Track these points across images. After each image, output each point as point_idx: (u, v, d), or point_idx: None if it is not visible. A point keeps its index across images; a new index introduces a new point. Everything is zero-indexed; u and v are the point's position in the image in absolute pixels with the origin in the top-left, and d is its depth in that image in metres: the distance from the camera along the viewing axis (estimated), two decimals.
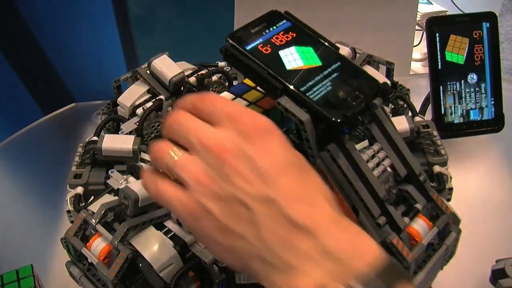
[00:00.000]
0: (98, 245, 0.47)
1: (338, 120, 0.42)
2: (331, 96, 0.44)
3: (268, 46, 0.47)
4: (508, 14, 2.53)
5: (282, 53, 0.47)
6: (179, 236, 0.47)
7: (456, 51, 0.81)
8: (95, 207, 0.49)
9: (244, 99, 0.55)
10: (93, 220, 0.47)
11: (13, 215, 0.80)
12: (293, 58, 0.47)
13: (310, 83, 0.45)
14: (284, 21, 0.50)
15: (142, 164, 0.56)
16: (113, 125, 0.65)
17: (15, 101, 1.08)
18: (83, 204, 0.54)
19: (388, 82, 0.61)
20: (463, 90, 0.81)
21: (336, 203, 0.38)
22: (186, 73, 0.65)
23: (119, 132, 0.60)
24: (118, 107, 0.65)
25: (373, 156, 0.46)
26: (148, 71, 0.65)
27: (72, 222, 0.53)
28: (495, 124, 0.83)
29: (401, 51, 1.02)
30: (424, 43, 0.88)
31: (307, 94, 0.44)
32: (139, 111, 0.62)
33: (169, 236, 0.47)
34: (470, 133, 0.83)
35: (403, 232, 0.45)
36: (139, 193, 0.46)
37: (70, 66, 1.08)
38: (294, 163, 0.38)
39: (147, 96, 0.65)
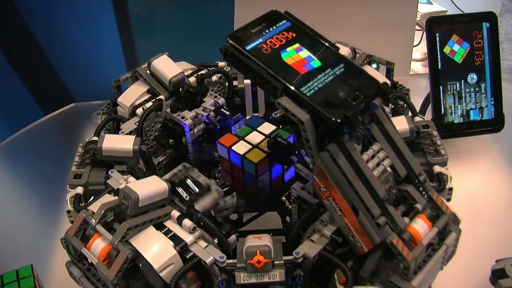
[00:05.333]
0: (98, 245, 0.47)
1: (338, 120, 0.42)
2: (331, 96, 0.44)
3: (268, 46, 0.47)
4: (508, 14, 2.53)
5: (282, 53, 0.47)
6: (179, 236, 0.47)
7: (456, 51, 0.81)
8: (95, 207, 0.49)
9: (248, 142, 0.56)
10: (93, 220, 0.47)
11: (13, 215, 0.80)
12: (293, 58, 0.47)
13: (310, 83, 0.45)
14: (284, 21, 0.50)
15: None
16: (113, 125, 0.65)
17: (15, 101, 1.08)
18: (83, 204, 0.54)
19: (388, 82, 0.61)
20: (463, 90, 0.81)
21: None
22: (186, 73, 0.65)
23: (119, 132, 0.60)
24: (118, 107, 0.65)
25: (373, 156, 0.46)
26: (148, 71, 0.65)
27: (72, 222, 0.53)
28: (495, 124, 0.83)
29: (401, 51, 1.02)
30: (424, 43, 0.88)
31: (307, 94, 0.44)
32: (139, 111, 0.62)
33: (169, 236, 0.47)
34: (470, 133, 0.83)
35: (403, 232, 0.45)
36: (139, 193, 0.46)
37: (70, 66, 1.08)
38: None
39: (147, 96, 0.65)
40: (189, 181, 0.55)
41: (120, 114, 0.65)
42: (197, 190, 0.53)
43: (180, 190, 0.54)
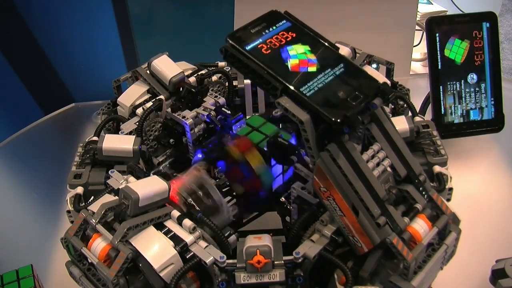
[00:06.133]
0: (98, 245, 0.47)
1: (338, 120, 0.42)
2: (331, 96, 0.44)
3: (268, 46, 0.47)
4: (508, 14, 2.53)
5: (282, 53, 0.47)
6: (179, 236, 0.47)
7: (456, 51, 0.81)
8: (95, 207, 0.49)
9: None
10: (93, 220, 0.47)
11: (13, 215, 0.80)
12: (293, 58, 0.47)
13: (310, 83, 0.45)
14: (284, 21, 0.50)
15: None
16: (113, 125, 0.65)
17: (15, 101, 1.08)
18: (83, 204, 0.54)
19: (388, 82, 0.61)
20: (463, 90, 0.81)
21: None
22: (186, 73, 0.65)
23: (119, 132, 0.60)
24: (118, 107, 0.65)
25: (373, 156, 0.46)
26: (148, 71, 0.65)
27: (72, 222, 0.53)
28: (495, 124, 0.83)
29: (401, 51, 1.02)
30: (424, 43, 0.88)
31: (307, 94, 0.44)
32: (139, 111, 0.62)
33: (169, 236, 0.47)
34: (470, 133, 0.83)
35: (403, 232, 0.45)
36: (139, 193, 0.46)
37: (70, 66, 1.08)
38: None
39: (147, 96, 0.65)
40: (200, 194, 0.54)
41: (120, 114, 0.65)
42: (200, 193, 0.53)
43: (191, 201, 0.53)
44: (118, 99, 0.65)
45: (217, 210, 0.54)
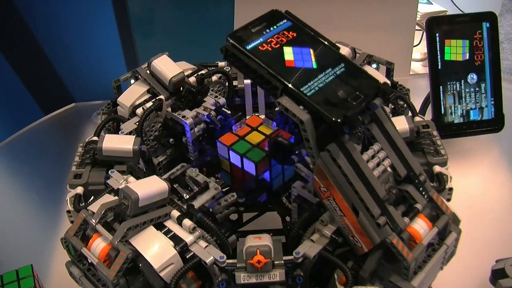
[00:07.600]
0: (98, 245, 0.47)
1: (339, 120, 0.42)
2: (331, 96, 0.44)
3: (269, 45, 0.47)
4: (508, 14, 2.53)
5: (282, 52, 0.47)
6: (179, 236, 0.47)
7: (456, 51, 0.81)
8: (95, 207, 0.49)
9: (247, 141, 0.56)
10: (93, 220, 0.47)
11: (13, 215, 0.80)
12: (293, 57, 0.47)
13: (311, 83, 0.45)
14: (285, 20, 0.50)
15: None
16: (113, 125, 0.65)
17: (15, 101, 1.08)
18: (83, 204, 0.54)
19: (388, 82, 0.61)
20: (463, 90, 0.81)
21: None
22: (186, 73, 0.65)
23: (119, 132, 0.60)
24: (118, 107, 0.65)
25: (373, 156, 0.46)
26: (148, 71, 0.65)
27: (72, 222, 0.53)
28: (495, 124, 0.83)
29: (401, 51, 1.02)
30: (424, 43, 0.88)
31: (308, 94, 0.44)
32: (139, 111, 0.62)
33: (169, 236, 0.47)
34: (470, 133, 0.83)
35: (403, 232, 0.45)
36: (139, 193, 0.46)
37: (70, 66, 1.08)
38: None
39: (147, 96, 0.65)
40: (187, 179, 0.55)
41: (120, 114, 0.65)
42: (195, 188, 0.53)
43: (179, 189, 0.54)
44: (118, 99, 0.65)
45: (205, 187, 0.55)
